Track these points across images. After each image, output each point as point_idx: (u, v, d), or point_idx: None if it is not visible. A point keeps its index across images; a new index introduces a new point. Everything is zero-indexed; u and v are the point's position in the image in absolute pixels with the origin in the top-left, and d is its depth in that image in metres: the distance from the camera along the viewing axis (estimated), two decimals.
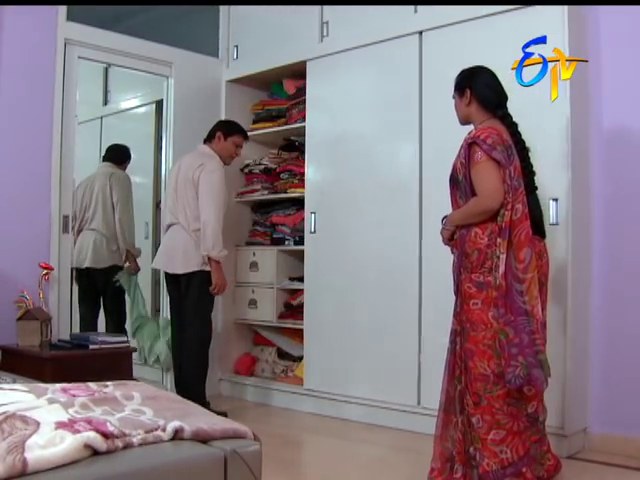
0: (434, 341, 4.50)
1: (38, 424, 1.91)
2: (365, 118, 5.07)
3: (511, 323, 3.16)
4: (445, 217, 3.45)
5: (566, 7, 4.03)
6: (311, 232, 5.33)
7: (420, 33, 4.72)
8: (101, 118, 6.90)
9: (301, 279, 5.46)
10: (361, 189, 5.05)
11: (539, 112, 3.98)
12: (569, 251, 4.04)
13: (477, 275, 3.23)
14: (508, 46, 3.75)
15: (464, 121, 3.53)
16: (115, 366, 4.40)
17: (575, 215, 4.07)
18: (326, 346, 5.21)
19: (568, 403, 4.02)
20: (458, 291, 3.35)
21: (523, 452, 3.22)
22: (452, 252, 3.44)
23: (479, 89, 3.41)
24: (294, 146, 5.63)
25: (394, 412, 4.74)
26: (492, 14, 4.33)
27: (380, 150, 4.96)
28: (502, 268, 3.16)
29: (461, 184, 3.32)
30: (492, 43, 4.23)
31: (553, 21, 4.05)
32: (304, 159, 5.45)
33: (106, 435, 1.89)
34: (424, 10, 4.68)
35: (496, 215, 3.20)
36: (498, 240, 3.18)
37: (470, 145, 3.25)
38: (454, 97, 3.53)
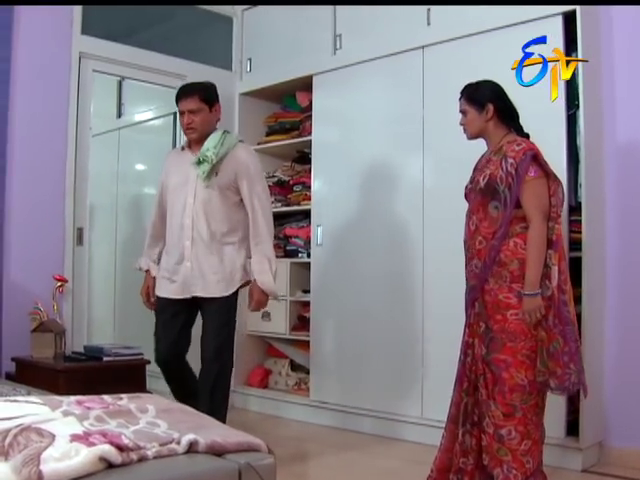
0: (436, 353, 4.56)
1: (53, 437, 1.91)
2: (374, 131, 5.08)
3: (561, 332, 3.18)
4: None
5: (578, 22, 4.03)
6: (317, 244, 5.34)
7: (423, 48, 4.76)
8: (119, 130, 6.93)
9: None
10: (367, 202, 5.08)
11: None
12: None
13: (519, 285, 3.19)
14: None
15: (476, 135, 3.48)
16: (129, 378, 4.40)
17: (589, 223, 4.07)
18: (332, 357, 5.23)
19: (583, 416, 4.00)
20: (483, 301, 3.29)
21: (538, 461, 3.23)
22: (471, 263, 3.37)
23: (501, 104, 3.39)
24: (307, 158, 5.63)
25: (403, 424, 4.74)
26: (498, 28, 4.36)
27: (387, 163, 4.97)
28: (556, 279, 3.18)
29: (501, 195, 3.24)
30: (496, 57, 4.22)
31: (556, 35, 4.03)
32: None
33: (121, 448, 1.89)
34: (434, 23, 4.70)
35: None
36: (549, 251, 3.19)
37: (532, 158, 3.22)
38: (464, 111, 3.47)
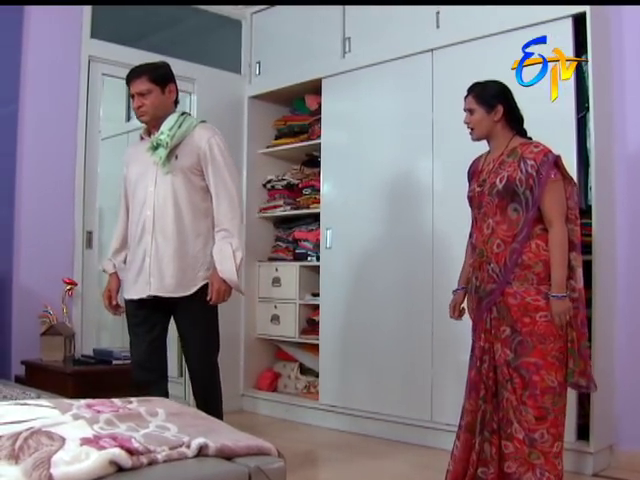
0: (446, 357, 4.56)
1: (63, 440, 1.91)
2: (383, 134, 5.07)
3: (585, 333, 3.22)
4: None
5: (588, 25, 4.01)
6: (326, 248, 5.34)
7: (432, 51, 4.76)
8: (128, 134, 6.93)
9: None
10: (377, 205, 5.07)
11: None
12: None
13: (546, 287, 3.16)
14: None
15: (483, 136, 3.42)
16: None
17: (600, 226, 4.06)
18: (342, 361, 5.22)
19: (594, 419, 3.99)
20: (506, 305, 3.22)
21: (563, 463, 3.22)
22: (486, 268, 3.30)
23: (510, 106, 3.36)
24: (316, 162, 5.63)
25: (413, 428, 4.74)
26: (508, 31, 4.34)
27: (396, 166, 4.97)
28: (581, 280, 3.21)
29: (521, 197, 3.20)
30: (506, 60, 4.19)
31: (566, 37, 4.04)
32: None
33: (131, 451, 1.89)
34: (443, 26, 4.70)
35: None
36: (572, 254, 3.19)
37: (554, 160, 3.20)
38: (472, 110, 3.38)
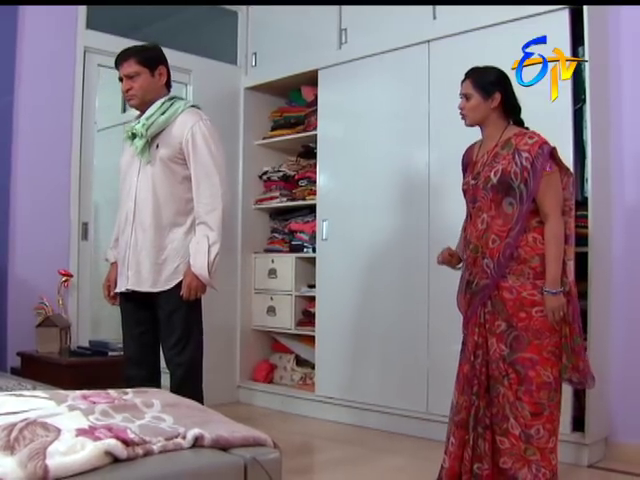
0: (442, 348, 4.55)
1: (59, 431, 1.91)
2: (379, 126, 5.06)
3: (579, 327, 3.17)
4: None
5: (585, 17, 4.02)
6: (323, 239, 5.34)
7: (428, 42, 4.75)
8: (124, 125, 6.91)
9: None
10: (373, 197, 5.07)
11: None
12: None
13: (543, 282, 3.11)
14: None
15: (477, 123, 3.33)
16: None
17: (596, 218, 4.06)
18: (338, 352, 5.23)
19: (589, 411, 4.00)
20: (501, 299, 3.17)
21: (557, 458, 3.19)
22: (481, 263, 3.24)
23: (511, 96, 3.28)
24: (312, 153, 5.63)
25: (409, 419, 4.75)
26: (505, 22, 4.34)
27: (392, 157, 4.96)
28: (572, 274, 3.15)
29: (516, 190, 3.13)
30: (503, 51, 4.16)
31: (563, 29, 4.04)
32: None
33: (126, 442, 1.89)
34: (441, 17, 4.69)
35: None
36: (565, 246, 3.13)
37: (550, 152, 3.13)
38: (468, 95, 3.29)
